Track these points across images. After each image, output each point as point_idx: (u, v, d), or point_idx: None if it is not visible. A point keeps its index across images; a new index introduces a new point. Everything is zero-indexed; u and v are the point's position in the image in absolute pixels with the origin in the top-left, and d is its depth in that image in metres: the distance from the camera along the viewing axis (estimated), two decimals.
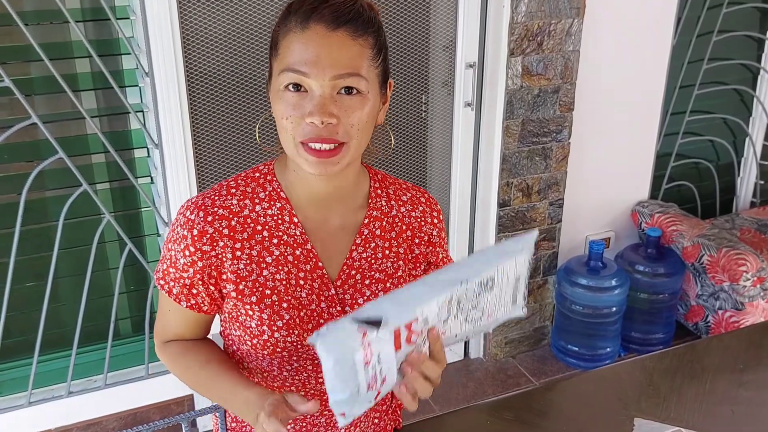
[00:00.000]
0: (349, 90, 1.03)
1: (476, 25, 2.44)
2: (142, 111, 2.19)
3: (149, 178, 2.29)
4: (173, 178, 2.20)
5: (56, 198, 2.22)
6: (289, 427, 1.24)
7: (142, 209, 2.36)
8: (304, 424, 1.24)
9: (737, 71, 3.13)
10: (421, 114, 2.54)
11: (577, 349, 2.80)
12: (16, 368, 2.37)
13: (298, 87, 1.03)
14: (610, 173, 2.88)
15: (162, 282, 1.17)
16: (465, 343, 2.89)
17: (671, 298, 2.82)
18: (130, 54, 2.08)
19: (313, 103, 1.02)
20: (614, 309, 2.72)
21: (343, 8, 1.03)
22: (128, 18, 2.08)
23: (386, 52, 1.11)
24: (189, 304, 1.16)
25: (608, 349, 2.79)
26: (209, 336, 1.28)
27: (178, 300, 1.16)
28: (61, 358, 2.39)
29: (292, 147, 1.06)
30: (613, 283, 2.69)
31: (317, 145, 1.04)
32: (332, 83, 1.02)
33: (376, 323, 0.90)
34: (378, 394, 0.95)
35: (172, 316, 1.20)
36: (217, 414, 1.30)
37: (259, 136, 1.23)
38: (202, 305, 1.17)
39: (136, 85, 2.17)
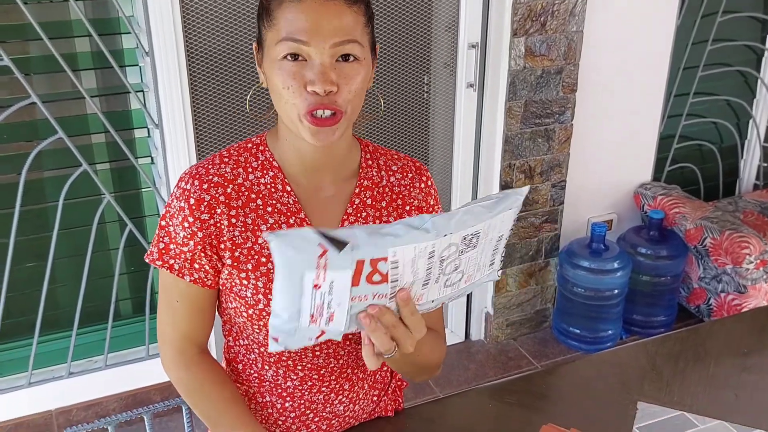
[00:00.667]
0: (346, 57, 1.04)
1: (479, 5, 2.41)
2: (142, 90, 2.17)
3: (149, 158, 2.27)
4: (174, 159, 2.18)
5: (56, 178, 2.21)
6: (286, 404, 1.24)
7: (143, 189, 2.35)
8: (302, 401, 1.24)
9: (741, 53, 3.10)
10: (423, 95, 2.52)
11: (578, 331, 2.79)
12: (17, 349, 2.37)
13: (296, 56, 1.03)
14: (612, 155, 2.86)
15: (160, 261, 1.15)
16: (466, 324, 2.89)
17: (673, 280, 2.82)
18: (130, 33, 2.06)
19: (314, 71, 1.02)
20: (616, 291, 2.71)
21: None
22: None
23: (373, 16, 1.12)
24: (192, 279, 1.15)
25: (610, 332, 2.79)
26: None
27: (181, 274, 1.14)
28: (62, 339, 2.38)
29: (294, 117, 1.06)
30: (616, 265, 2.68)
31: (319, 112, 1.04)
32: (332, 51, 1.03)
33: (340, 244, 0.85)
34: (321, 335, 0.91)
35: (179, 306, 1.17)
36: None
37: (250, 107, 1.23)
38: (205, 279, 1.15)
39: (136, 65, 2.15)
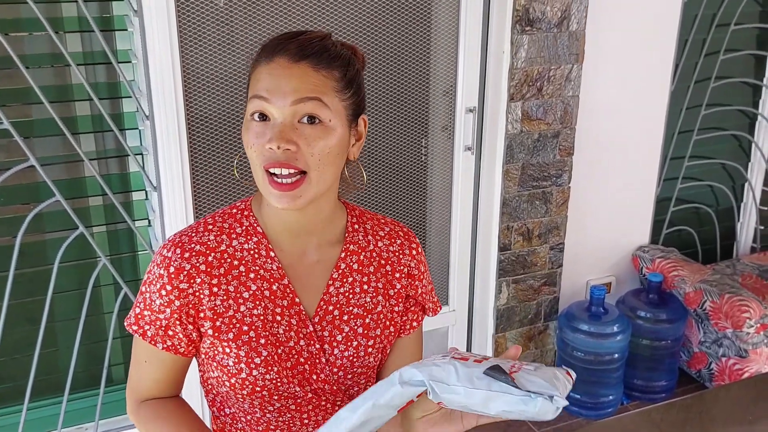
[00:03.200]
0: (311, 120, 1.05)
1: (476, 70, 2.45)
2: (141, 154, 2.18)
3: (147, 220, 2.26)
4: (171, 221, 2.17)
5: (52, 241, 2.19)
6: None
7: (139, 252, 2.33)
8: None
9: (735, 117, 3.15)
10: (421, 158, 2.54)
11: (579, 396, 2.75)
12: (5, 416, 2.31)
13: (263, 117, 1.06)
14: (610, 218, 2.87)
15: (135, 326, 1.14)
16: None
17: (674, 344, 2.79)
18: (130, 97, 2.07)
19: (273, 130, 1.05)
20: (616, 355, 2.68)
21: (308, 44, 1.07)
22: (130, 61, 2.08)
23: (359, 88, 1.12)
24: (165, 346, 1.13)
25: (611, 397, 2.74)
26: (182, 395, 1.25)
27: (153, 342, 1.13)
28: (52, 405, 2.33)
29: (259, 177, 1.08)
30: (615, 329, 2.66)
31: (277, 170, 1.05)
32: (293, 109, 1.05)
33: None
34: None
35: (147, 365, 1.16)
36: None
37: (238, 173, 1.25)
38: (178, 346, 1.14)
39: (136, 128, 2.16)
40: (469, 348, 2.79)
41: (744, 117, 3.17)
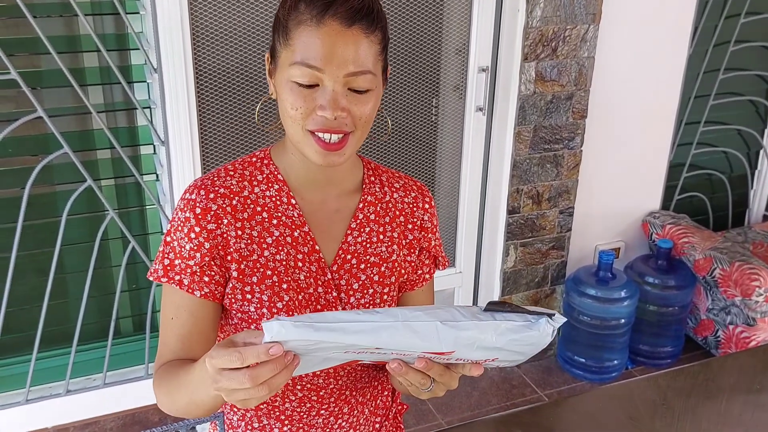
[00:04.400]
0: (358, 86, 1.04)
1: (490, 29, 2.40)
2: (149, 107, 2.16)
3: (155, 175, 2.25)
4: (179, 176, 2.16)
5: (60, 193, 2.19)
6: (284, 427, 1.21)
7: (147, 207, 2.33)
8: (301, 425, 1.21)
9: (753, 82, 3.09)
10: (432, 118, 2.51)
11: (583, 360, 2.75)
12: (15, 365, 2.34)
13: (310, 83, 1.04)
14: (621, 182, 2.84)
15: (166, 277, 1.10)
16: None
17: (681, 311, 2.78)
18: (138, 49, 2.05)
19: (326, 98, 1.03)
20: (623, 321, 2.67)
21: (357, 4, 1.03)
22: (138, 13, 2.05)
23: (388, 42, 1.11)
24: (203, 293, 1.11)
25: (615, 362, 2.75)
26: None
27: (191, 290, 1.10)
28: (61, 356, 2.35)
29: (299, 134, 1.06)
30: (623, 294, 2.65)
31: (326, 136, 1.05)
32: (345, 80, 1.03)
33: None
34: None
35: (175, 321, 1.12)
36: (216, 422, 1.27)
37: (259, 119, 1.23)
38: (216, 291, 1.12)
39: (144, 81, 2.14)
40: None
41: (762, 82, 3.11)
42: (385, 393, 1.32)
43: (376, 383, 1.29)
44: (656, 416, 1.35)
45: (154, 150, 2.24)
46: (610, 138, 2.71)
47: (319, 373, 1.19)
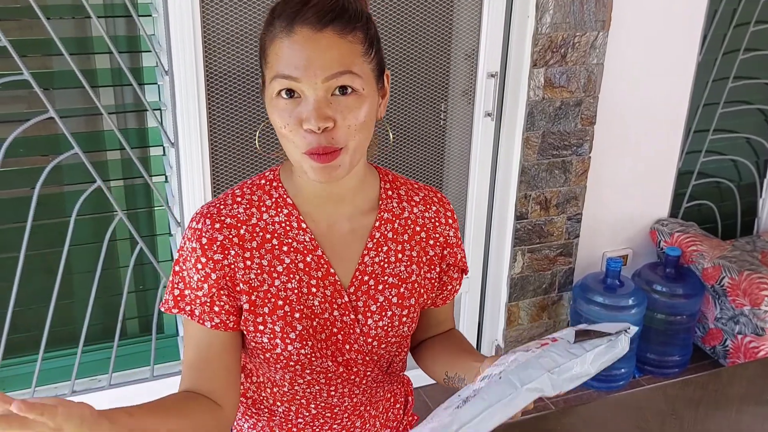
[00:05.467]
0: (343, 90, 1.00)
1: (499, 35, 2.40)
2: (159, 109, 2.16)
3: (164, 176, 2.26)
4: (188, 178, 2.17)
5: (70, 193, 2.19)
6: None
7: (155, 208, 2.33)
8: None
9: (762, 90, 3.08)
10: (440, 123, 2.51)
11: None
12: (21, 364, 2.34)
13: (291, 93, 1.00)
14: (630, 189, 2.83)
15: (177, 308, 1.09)
16: None
17: (689, 320, 2.77)
18: (150, 51, 2.05)
19: (309, 108, 0.99)
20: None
21: (327, 6, 0.99)
22: (150, 15, 2.05)
23: (378, 43, 1.07)
24: (213, 324, 1.08)
25: (623, 370, 2.74)
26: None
27: (201, 320, 1.08)
28: (67, 356, 2.36)
29: (296, 156, 1.03)
30: (630, 302, 2.64)
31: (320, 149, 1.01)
32: (325, 85, 0.98)
33: None
34: None
35: (187, 348, 1.11)
36: None
37: (259, 144, 1.20)
38: (227, 321, 1.09)
39: (155, 83, 2.14)
40: (481, 315, 2.79)
41: None
42: (397, 405, 1.31)
43: (389, 395, 1.28)
44: (665, 426, 1.34)
45: (164, 151, 2.24)
46: (618, 145, 2.71)
47: (333, 392, 1.18)
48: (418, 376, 1.41)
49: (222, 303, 1.09)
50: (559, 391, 0.97)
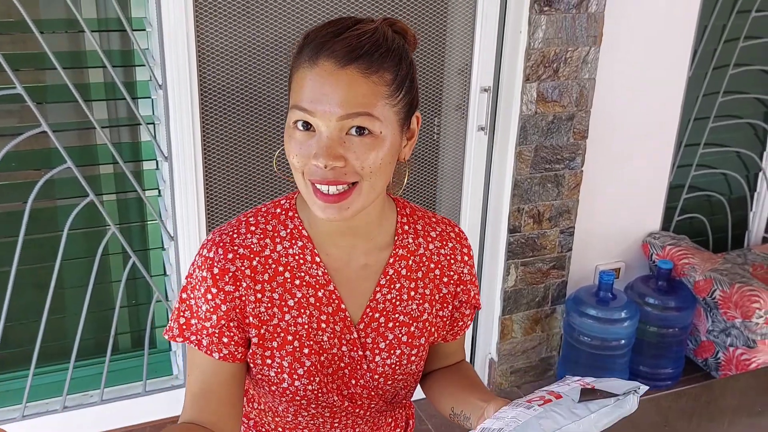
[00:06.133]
0: (360, 130, 0.96)
1: (492, 50, 2.42)
2: (153, 123, 2.16)
3: (157, 190, 2.26)
4: (181, 192, 2.17)
5: (62, 207, 2.19)
6: None
7: (148, 222, 2.33)
8: None
9: (752, 105, 3.11)
10: (434, 136, 2.52)
11: None
12: (12, 380, 2.33)
13: (307, 125, 0.97)
14: (622, 203, 2.84)
15: (181, 337, 1.06)
16: None
17: (681, 332, 2.78)
18: (144, 65, 2.06)
19: (319, 144, 0.96)
20: (623, 341, 2.67)
21: (357, 42, 0.95)
22: (144, 29, 2.06)
23: (411, 84, 1.02)
24: (222, 355, 1.05)
25: None
26: None
27: (209, 351, 1.05)
28: (58, 372, 2.34)
29: (303, 186, 1.01)
30: (623, 315, 2.65)
31: (324, 188, 0.98)
32: (340, 123, 0.95)
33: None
34: None
35: (192, 374, 1.07)
36: None
37: (277, 167, 1.14)
38: (235, 353, 1.06)
39: (149, 97, 2.15)
40: (475, 328, 2.79)
41: (760, 105, 3.14)
42: (398, 430, 1.31)
43: (390, 420, 1.27)
44: None
45: (157, 165, 2.24)
46: (610, 159, 2.72)
47: (337, 425, 1.16)
48: (418, 396, 1.41)
49: (231, 335, 1.06)
50: None
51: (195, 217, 2.20)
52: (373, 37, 0.97)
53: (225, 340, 1.05)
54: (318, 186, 0.98)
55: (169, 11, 1.96)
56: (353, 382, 1.13)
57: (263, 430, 1.21)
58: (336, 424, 1.16)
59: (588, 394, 0.96)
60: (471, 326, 2.75)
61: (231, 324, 1.05)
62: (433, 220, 1.18)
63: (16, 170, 2.13)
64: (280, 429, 1.18)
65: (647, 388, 1.00)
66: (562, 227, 2.69)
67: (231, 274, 1.04)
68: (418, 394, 1.30)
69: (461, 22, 2.38)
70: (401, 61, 1.00)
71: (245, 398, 1.20)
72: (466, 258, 1.18)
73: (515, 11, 2.36)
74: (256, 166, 2.26)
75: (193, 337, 1.06)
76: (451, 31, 2.39)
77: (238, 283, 1.05)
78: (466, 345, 2.79)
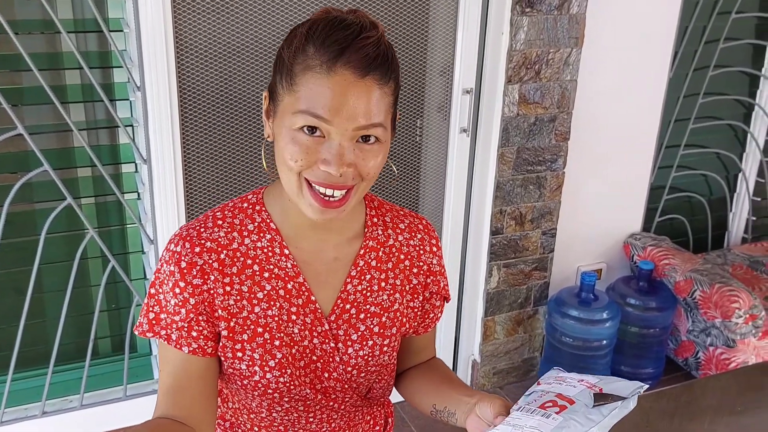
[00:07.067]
0: (367, 138, 0.98)
1: (474, 51, 2.42)
2: (131, 125, 2.14)
3: (136, 194, 2.23)
4: (161, 195, 2.15)
5: (39, 211, 2.16)
6: None
7: (128, 226, 2.31)
8: None
9: (732, 106, 3.13)
10: (416, 138, 2.51)
11: None
12: None
13: (313, 129, 0.96)
14: (603, 204, 2.85)
15: (151, 332, 1.06)
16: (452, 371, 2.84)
17: (662, 332, 2.79)
18: (122, 67, 2.04)
19: (332, 152, 0.96)
20: (604, 342, 2.68)
21: (373, 53, 0.96)
22: (122, 30, 2.04)
23: (399, 90, 1.06)
24: (191, 349, 1.06)
25: None
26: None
27: (179, 345, 1.05)
28: (37, 377, 2.31)
29: (295, 186, 1.00)
30: (605, 315, 2.65)
31: (327, 191, 0.98)
32: (353, 133, 0.96)
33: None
34: None
35: (163, 373, 1.07)
36: None
37: (267, 164, 1.13)
38: (205, 347, 1.07)
39: (127, 99, 2.12)
40: (458, 329, 2.79)
41: (740, 106, 3.16)
42: (377, 428, 1.30)
43: (369, 418, 1.27)
44: None
45: (136, 168, 2.22)
46: (592, 160, 2.73)
47: (312, 419, 1.16)
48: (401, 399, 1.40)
49: (200, 329, 1.06)
50: None
51: (175, 220, 2.18)
52: (382, 46, 0.98)
53: (194, 334, 1.06)
54: (320, 189, 0.98)
55: (147, 12, 1.94)
56: (326, 375, 1.13)
57: (239, 430, 1.20)
58: (311, 419, 1.16)
59: (600, 399, 0.99)
60: (455, 328, 2.76)
61: (200, 317, 1.05)
62: (401, 213, 1.20)
63: None
64: (256, 428, 1.17)
65: (647, 386, 1.03)
66: (544, 228, 2.69)
67: (198, 267, 1.05)
68: (399, 396, 1.30)
69: (443, 23, 2.38)
70: (398, 68, 1.03)
71: (219, 398, 1.19)
72: (434, 249, 1.20)
73: (497, 12, 2.36)
74: (236, 168, 2.24)
75: (162, 332, 1.06)
76: (432, 32, 2.39)
77: (205, 277, 1.05)
78: (449, 346, 2.79)
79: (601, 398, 0.99)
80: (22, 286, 2.15)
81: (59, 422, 2.31)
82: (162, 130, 2.07)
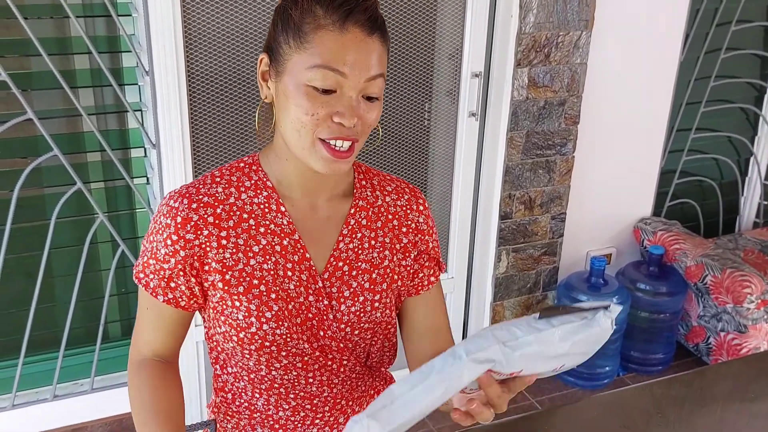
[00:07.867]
0: (370, 98, 1.06)
1: (483, 35, 2.40)
2: (140, 110, 2.14)
3: (145, 178, 2.24)
4: (170, 179, 2.15)
5: (49, 196, 2.17)
6: None
7: (137, 210, 2.31)
8: None
9: (743, 90, 3.10)
10: (424, 122, 2.50)
11: (575, 367, 2.74)
12: (1, 369, 2.31)
13: (326, 91, 1.03)
14: (613, 188, 2.84)
15: (141, 275, 1.13)
16: None
17: (672, 317, 2.78)
18: (130, 52, 2.03)
19: (345, 105, 1.03)
20: (614, 327, 2.67)
21: (375, 14, 1.05)
22: (130, 15, 2.03)
23: None
24: (166, 299, 1.12)
25: (607, 368, 2.74)
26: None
27: (154, 294, 1.12)
28: (48, 360, 2.33)
29: (307, 142, 1.05)
30: (614, 300, 2.64)
31: (338, 143, 1.04)
32: (364, 85, 1.04)
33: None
34: None
35: (148, 313, 1.16)
36: (209, 429, 1.25)
37: (258, 125, 1.19)
38: (180, 300, 1.13)
39: (136, 84, 2.12)
40: (466, 314, 2.79)
41: (752, 89, 3.13)
42: None
43: (372, 391, 1.28)
44: (651, 425, 1.34)
45: (145, 153, 2.22)
46: (602, 144, 2.71)
47: (312, 380, 1.18)
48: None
49: (180, 282, 1.11)
50: (517, 370, 0.88)
51: None
52: (378, 10, 1.07)
53: (173, 285, 1.12)
54: (332, 142, 1.05)
55: None
56: (321, 333, 1.16)
57: (242, 401, 1.21)
58: (311, 380, 1.18)
59: (549, 311, 0.91)
60: (463, 312, 2.76)
61: (185, 269, 1.10)
62: (387, 177, 1.26)
63: (2, 158, 2.11)
64: (258, 394, 1.19)
65: (620, 308, 0.94)
66: (553, 213, 2.68)
67: (193, 223, 1.10)
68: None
69: (451, 6, 2.36)
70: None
71: (218, 365, 1.22)
72: (421, 208, 1.24)
73: None
74: (244, 152, 2.24)
75: (144, 279, 1.13)
76: (441, 15, 2.37)
77: (198, 232, 1.10)
78: (457, 331, 2.79)
79: (552, 310, 0.91)
80: (32, 271, 2.16)
81: (70, 405, 2.32)
82: (171, 114, 2.07)
